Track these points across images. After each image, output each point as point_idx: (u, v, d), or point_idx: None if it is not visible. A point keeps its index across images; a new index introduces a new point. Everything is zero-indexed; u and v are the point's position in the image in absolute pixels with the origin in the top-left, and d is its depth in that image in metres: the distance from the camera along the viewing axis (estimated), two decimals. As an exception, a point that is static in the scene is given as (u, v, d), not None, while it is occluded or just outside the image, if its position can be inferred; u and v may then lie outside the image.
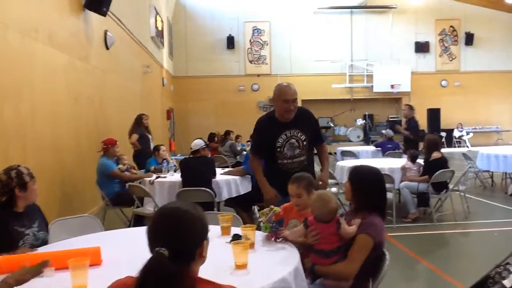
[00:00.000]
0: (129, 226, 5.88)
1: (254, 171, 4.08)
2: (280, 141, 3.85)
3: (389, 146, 10.31)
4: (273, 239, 2.66)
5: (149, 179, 6.03)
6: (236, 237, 2.56)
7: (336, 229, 2.58)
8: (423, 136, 9.45)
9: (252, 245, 2.50)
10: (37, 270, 2.00)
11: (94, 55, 7.80)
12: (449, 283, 4.39)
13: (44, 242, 3.00)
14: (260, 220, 2.80)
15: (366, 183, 2.75)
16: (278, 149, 3.86)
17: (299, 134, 3.87)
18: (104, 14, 7.48)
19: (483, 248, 5.65)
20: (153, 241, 1.47)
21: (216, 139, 12.04)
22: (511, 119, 21.38)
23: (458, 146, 19.83)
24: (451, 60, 21.34)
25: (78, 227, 3.41)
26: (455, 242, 6.02)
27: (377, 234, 2.59)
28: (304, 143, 3.88)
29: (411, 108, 9.68)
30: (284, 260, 2.37)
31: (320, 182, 3.85)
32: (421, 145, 9.30)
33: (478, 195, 8.56)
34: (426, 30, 21.06)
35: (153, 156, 7.11)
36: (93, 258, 2.26)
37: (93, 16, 7.51)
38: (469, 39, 21.04)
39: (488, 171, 9.52)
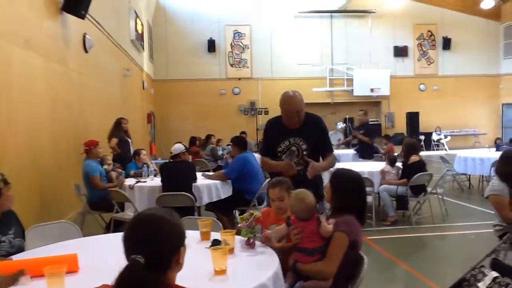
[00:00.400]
0: (108, 231, 5.82)
1: (268, 167, 3.97)
2: (282, 146, 3.77)
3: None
4: (251, 246, 2.67)
5: (129, 183, 5.98)
6: (216, 243, 2.55)
7: (317, 227, 2.62)
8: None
9: (231, 250, 2.50)
10: (13, 279, 1.97)
11: (72, 58, 7.71)
12: (427, 285, 4.45)
13: (20, 249, 2.95)
14: (239, 225, 2.80)
15: (345, 184, 2.81)
16: (279, 154, 3.79)
17: (300, 143, 3.74)
18: (82, 17, 7.40)
19: (460, 251, 5.74)
20: (129, 248, 1.46)
21: (197, 143, 12.02)
22: (488, 122, 21.81)
23: (437, 149, 20.14)
24: (429, 64, 21.69)
25: (55, 234, 3.35)
26: (433, 245, 6.10)
27: (351, 231, 2.62)
28: (304, 152, 3.73)
29: (366, 113, 10.03)
30: (263, 265, 2.37)
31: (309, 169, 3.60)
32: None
33: (455, 198, 8.70)
34: (404, 35, 21.37)
35: (134, 160, 7.06)
36: (70, 266, 2.24)
37: (72, 19, 7.42)
38: (447, 43, 21.42)
39: (465, 174, 9.69)
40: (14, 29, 5.41)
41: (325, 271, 2.58)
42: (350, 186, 2.80)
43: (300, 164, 3.74)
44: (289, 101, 3.68)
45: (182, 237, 1.57)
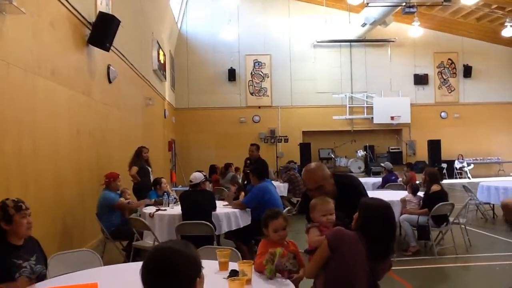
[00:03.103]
0: (128, 259, 5.86)
1: None
2: None
3: (393, 178, 10.41)
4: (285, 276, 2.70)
5: (149, 212, 6.04)
6: (234, 273, 2.57)
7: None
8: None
9: (248, 281, 2.52)
10: None
11: (96, 89, 7.91)
12: (450, 319, 4.35)
13: (42, 276, 2.99)
14: (266, 268, 2.71)
15: (371, 213, 2.76)
16: None
17: (343, 217, 3.06)
18: (107, 49, 7.62)
19: (484, 283, 5.60)
20: (147, 281, 1.51)
21: (217, 171, 12.08)
22: (512, 150, 21.45)
23: (459, 178, 19.80)
24: (450, 92, 21.57)
25: (77, 262, 3.41)
26: (455, 276, 5.96)
27: (332, 237, 2.65)
28: (349, 226, 2.93)
29: (258, 148, 9.94)
30: (280, 296, 2.38)
31: None
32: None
33: (479, 228, 8.51)
34: (424, 63, 21.37)
35: (154, 189, 7.13)
36: (91, 294, 2.28)
37: (97, 51, 7.65)
38: (467, 71, 21.32)
39: (489, 203, 9.48)
40: (40, 62, 5.60)
41: (305, 271, 2.81)
42: (375, 216, 2.74)
43: None
44: (306, 176, 3.37)
45: (198, 268, 1.61)
